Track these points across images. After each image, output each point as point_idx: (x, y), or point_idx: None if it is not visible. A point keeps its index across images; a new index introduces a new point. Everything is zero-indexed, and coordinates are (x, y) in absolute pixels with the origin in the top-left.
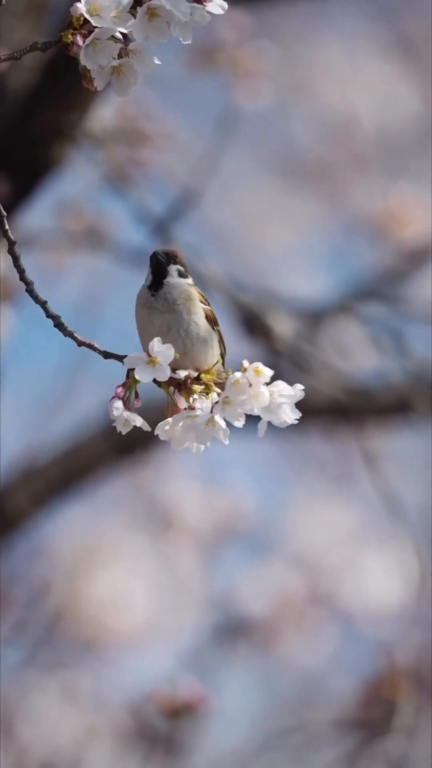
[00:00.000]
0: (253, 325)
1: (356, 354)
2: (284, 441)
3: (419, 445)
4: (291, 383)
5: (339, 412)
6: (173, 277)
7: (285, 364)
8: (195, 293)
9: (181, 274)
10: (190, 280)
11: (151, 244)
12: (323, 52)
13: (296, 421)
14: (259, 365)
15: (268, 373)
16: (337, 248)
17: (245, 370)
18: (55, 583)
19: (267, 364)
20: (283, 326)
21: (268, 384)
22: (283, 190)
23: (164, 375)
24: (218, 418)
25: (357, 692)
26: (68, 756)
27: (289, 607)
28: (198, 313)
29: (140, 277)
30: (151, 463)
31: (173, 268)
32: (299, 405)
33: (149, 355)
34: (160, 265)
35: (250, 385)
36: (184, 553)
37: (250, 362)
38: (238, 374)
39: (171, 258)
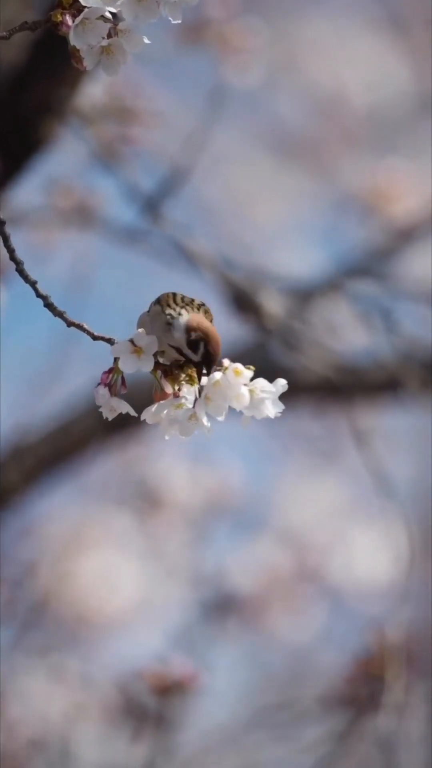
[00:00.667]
0: (243, 302)
1: (346, 332)
2: (274, 418)
3: (409, 422)
4: (281, 360)
5: (329, 389)
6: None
7: (275, 341)
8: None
9: None
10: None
11: (141, 221)
12: (313, 28)
13: (279, 415)
14: (239, 366)
15: (248, 374)
16: (327, 225)
17: (225, 369)
18: (43, 562)
19: (256, 342)
20: (273, 304)
21: (247, 384)
22: (274, 166)
23: (149, 366)
24: (200, 415)
25: (346, 669)
26: (58, 734)
27: (278, 584)
28: None
29: (130, 255)
30: (140, 440)
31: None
32: (290, 382)
33: (134, 345)
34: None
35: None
36: (172, 531)
37: (232, 360)
38: (218, 374)
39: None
